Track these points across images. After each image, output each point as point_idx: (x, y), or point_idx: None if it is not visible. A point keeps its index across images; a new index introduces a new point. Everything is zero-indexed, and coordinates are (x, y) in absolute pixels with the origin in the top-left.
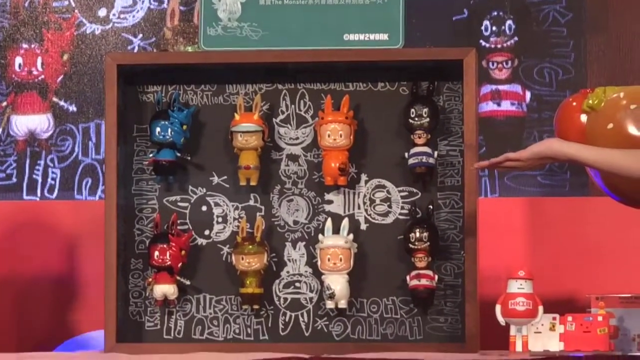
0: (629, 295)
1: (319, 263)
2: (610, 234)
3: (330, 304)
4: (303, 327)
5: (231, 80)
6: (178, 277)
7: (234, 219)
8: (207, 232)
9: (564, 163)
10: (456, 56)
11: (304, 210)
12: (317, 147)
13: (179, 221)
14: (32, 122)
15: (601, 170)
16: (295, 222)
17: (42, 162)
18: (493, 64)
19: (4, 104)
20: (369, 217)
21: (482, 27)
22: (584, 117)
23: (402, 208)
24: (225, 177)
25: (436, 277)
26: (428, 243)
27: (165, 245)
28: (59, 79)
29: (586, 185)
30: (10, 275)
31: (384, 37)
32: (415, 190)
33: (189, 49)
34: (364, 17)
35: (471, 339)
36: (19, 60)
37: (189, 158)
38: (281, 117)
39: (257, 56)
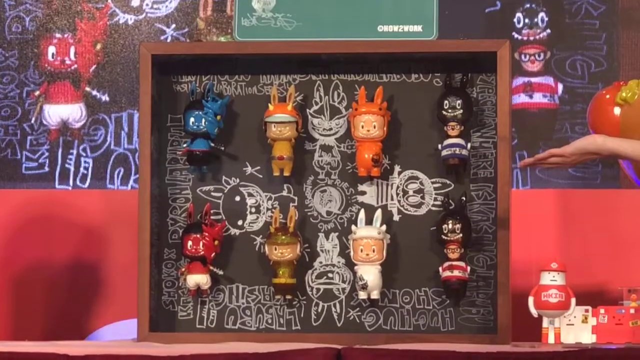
0: None
1: (351, 254)
2: None
3: (362, 295)
4: (335, 317)
5: (265, 70)
6: (211, 267)
7: (267, 209)
8: (240, 222)
9: (608, 158)
10: (490, 48)
11: (337, 201)
12: (351, 138)
13: (212, 211)
14: (64, 112)
15: None
16: (329, 213)
17: (74, 152)
18: (525, 56)
19: (37, 93)
20: (401, 208)
21: (515, 19)
22: (617, 110)
23: (435, 199)
24: (259, 167)
25: (468, 268)
26: (461, 234)
27: (198, 235)
28: (92, 68)
29: (617, 177)
30: (41, 264)
31: (417, 28)
32: (448, 181)
33: (222, 39)
34: (397, 9)
35: (503, 330)
36: (52, 49)
37: (222, 148)
38: (315, 107)
39: (291, 47)
